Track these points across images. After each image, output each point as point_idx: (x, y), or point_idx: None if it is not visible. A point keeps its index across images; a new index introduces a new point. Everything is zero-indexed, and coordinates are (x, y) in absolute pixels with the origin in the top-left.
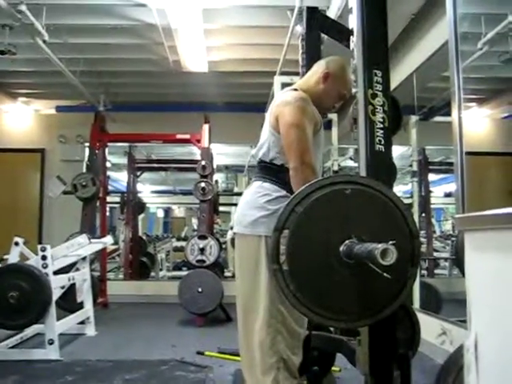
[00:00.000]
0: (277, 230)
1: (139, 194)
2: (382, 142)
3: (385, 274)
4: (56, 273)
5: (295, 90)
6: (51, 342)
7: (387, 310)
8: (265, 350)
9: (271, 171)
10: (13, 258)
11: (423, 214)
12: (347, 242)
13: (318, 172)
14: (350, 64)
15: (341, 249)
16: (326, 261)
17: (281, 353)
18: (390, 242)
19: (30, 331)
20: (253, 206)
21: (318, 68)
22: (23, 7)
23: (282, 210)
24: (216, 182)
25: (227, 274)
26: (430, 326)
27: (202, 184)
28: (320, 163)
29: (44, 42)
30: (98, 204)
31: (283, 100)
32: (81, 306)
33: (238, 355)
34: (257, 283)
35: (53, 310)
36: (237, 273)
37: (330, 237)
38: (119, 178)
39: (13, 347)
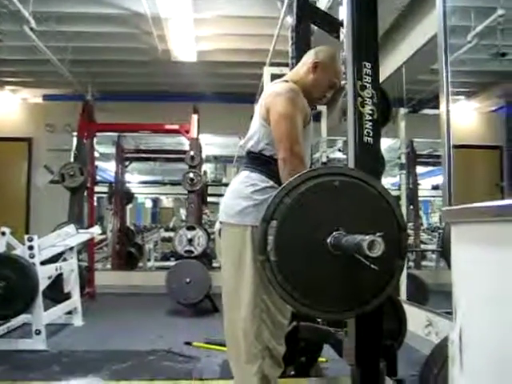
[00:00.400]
0: (265, 221)
1: (127, 184)
2: (371, 134)
3: (372, 266)
4: (43, 263)
5: (286, 81)
6: (38, 332)
7: (374, 302)
8: (249, 340)
9: (259, 162)
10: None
11: (411, 207)
12: (335, 233)
13: (307, 164)
14: (339, 53)
15: (328, 240)
16: (314, 252)
17: (265, 342)
18: (378, 234)
19: (16, 321)
20: (239, 196)
21: (308, 58)
22: None
23: (271, 201)
24: (204, 172)
25: (215, 264)
26: (416, 318)
27: (191, 174)
28: (309, 155)
29: (31, 29)
30: (85, 194)
31: (274, 91)
32: (68, 296)
33: (225, 346)
34: (241, 273)
35: (40, 300)
36: (222, 262)
37: (318, 228)
38: (107, 168)
39: None
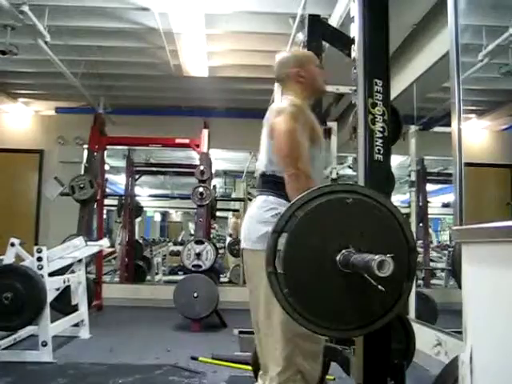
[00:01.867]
0: (275, 233)
1: (137, 198)
2: (381, 152)
3: (379, 287)
4: (51, 274)
5: (288, 99)
6: (45, 344)
7: (380, 322)
8: (281, 363)
9: (274, 184)
10: (8, 258)
11: (421, 224)
12: (344, 251)
13: (320, 179)
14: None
15: (338, 257)
16: (322, 268)
17: (298, 366)
18: (388, 255)
19: (23, 333)
20: (259, 221)
21: (287, 75)
22: (26, 8)
23: (282, 214)
24: (214, 187)
25: (223, 279)
26: (425, 337)
27: (200, 189)
28: (321, 170)
29: (46, 43)
30: (95, 206)
31: (276, 109)
32: (75, 308)
33: (231, 362)
34: (272, 299)
35: (47, 311)
36: (248, 287)
37: (328, 244)
38: (117, 181)
39: (6, 348)
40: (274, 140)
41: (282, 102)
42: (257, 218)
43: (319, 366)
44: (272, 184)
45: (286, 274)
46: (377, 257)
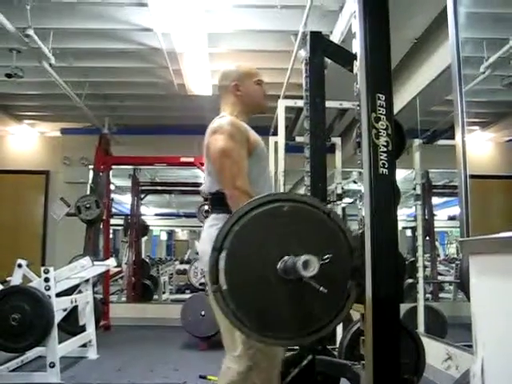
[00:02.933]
0: (215, 250)
1: (143, 217)
2: (386, 166)
3: (321, 288)
4: (58, 295)
5: (222, 116)
6: (52, 365)
7: (331, 325)
8: (235, 379)
9: (221, 201)
10: (16, 279)
11: (427, 238)
12: (285, 258)
13: (269, 189)
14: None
15: (278, 266)
16: (264, 278)
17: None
18: (326, 256)
19: (31, 354)
20: (211, 239)
21: (226, 87)
22: (31, 31)
23: (220, 230)
24: None
25: None
26: (435, 351)
27: (206, 207)
28: (266, 179)
29: (50, 65)
30: (101, 226)
31: (211, 128)
32: (83, 328)
33: None
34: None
35: (55, 332)
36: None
37: (268, 254)
38: (123, 201)
39: (14, 370)
40: (211, 160)
41: (217, 120)
42: (207, 238)
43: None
44: (221, 201)
45: (230, 289)
46: (302, 257)
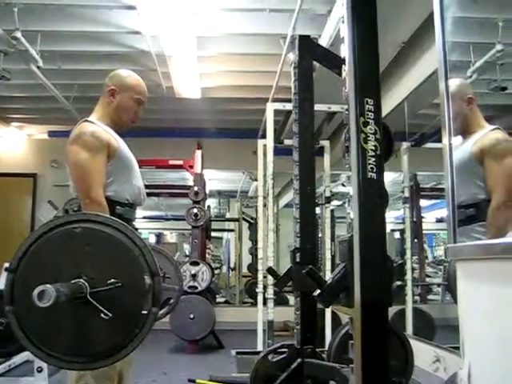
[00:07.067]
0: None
1: None
2: (374, 170)
3: (102, 315)
4: None
5: (85, 120)
6: (40, 370)
7: (129, 348)
8: None
9: None
10: (2, 283)
11: (415, 240)
12: (76, 281)
13: (138, 187)
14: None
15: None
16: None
17: None
18: (112, 281)
19: (18, 358)
20: None
21: (104, 89)
22: (18, 34)
23: (16, 251)
24: (208, 207)
25: (219, 299)
26: (423, 353)
27: (195, 210)
28: (132, 182)
29: (38, 67)
30: None
31: (70, 137)
32: None
33: (229, 383)
34: None
35: None
36: None
37: (58, 277)
38: None
39: (1, 375)
40: (69, 169)
41: (78, 126)
42: None
43: None
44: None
45: (21, 312)
46: (40, 287)
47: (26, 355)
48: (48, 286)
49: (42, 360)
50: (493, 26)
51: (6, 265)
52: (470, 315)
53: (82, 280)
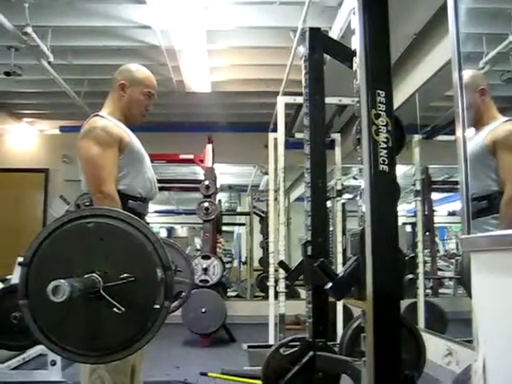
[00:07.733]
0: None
1: None
2: (386, 162)
3: (115, 309)
4: None
5: (96, 115)
6: (54, 363)
7: (142, 342)
8: None
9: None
10: (16, 278)
11: (427, 233)
12: (88, 275)
13: (151, 182)
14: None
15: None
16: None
17: None
18: (125, 275)
19: (32, 352)
20: None
21: (114, 83)
22: (29, 29)
23: (30, 245)
24: (219, 201)
25: (230, 293)
26: (435, 347)
27: (206, 204)
28: (144, 176)
29: (49, 63)
30: None
31: (82, 132)
32: None
33: (241, 376)
34: None
35: None
36: None
37: (72, 272)
38: None
39: (15, 368)
40: (80, 164)
41: (90, 121)
42: None
43: None
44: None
45: (35, 305)
46: (53, 282)
47: (39, 349)
48: (62, 281)
49: (56, 353)
50: (505, 16)
51: (20, 259)
52: (483, 306)
53: (95, 275)
